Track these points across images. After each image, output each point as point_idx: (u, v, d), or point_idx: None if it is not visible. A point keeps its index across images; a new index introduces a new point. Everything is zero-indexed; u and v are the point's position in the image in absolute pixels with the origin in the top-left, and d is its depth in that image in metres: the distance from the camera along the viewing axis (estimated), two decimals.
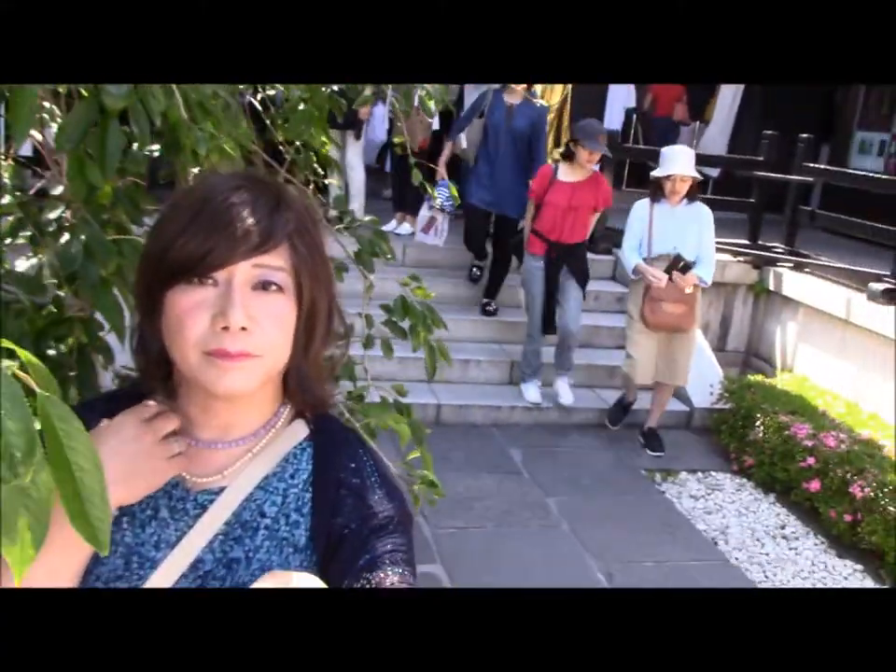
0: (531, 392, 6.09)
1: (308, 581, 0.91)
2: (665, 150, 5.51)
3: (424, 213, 6.50)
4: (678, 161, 5.34)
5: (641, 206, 5.59)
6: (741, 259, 7.40)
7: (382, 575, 0.97)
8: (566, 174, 5.74)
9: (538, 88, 7.13)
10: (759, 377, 6.40)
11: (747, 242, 7.60)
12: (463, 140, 6.47)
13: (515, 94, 6.33)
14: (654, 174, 5.45)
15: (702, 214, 5.49)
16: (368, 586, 0.96)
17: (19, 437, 0.60)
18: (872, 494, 4.66)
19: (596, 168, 5.95)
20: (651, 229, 5.47)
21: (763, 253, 7.46)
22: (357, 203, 7.31)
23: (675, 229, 5.42)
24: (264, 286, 0.97)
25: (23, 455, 0.60)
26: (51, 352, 1.61)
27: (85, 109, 1.21)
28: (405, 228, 7.64)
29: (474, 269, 7.02)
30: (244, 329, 0.94)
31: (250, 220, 0.95)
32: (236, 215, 0.95)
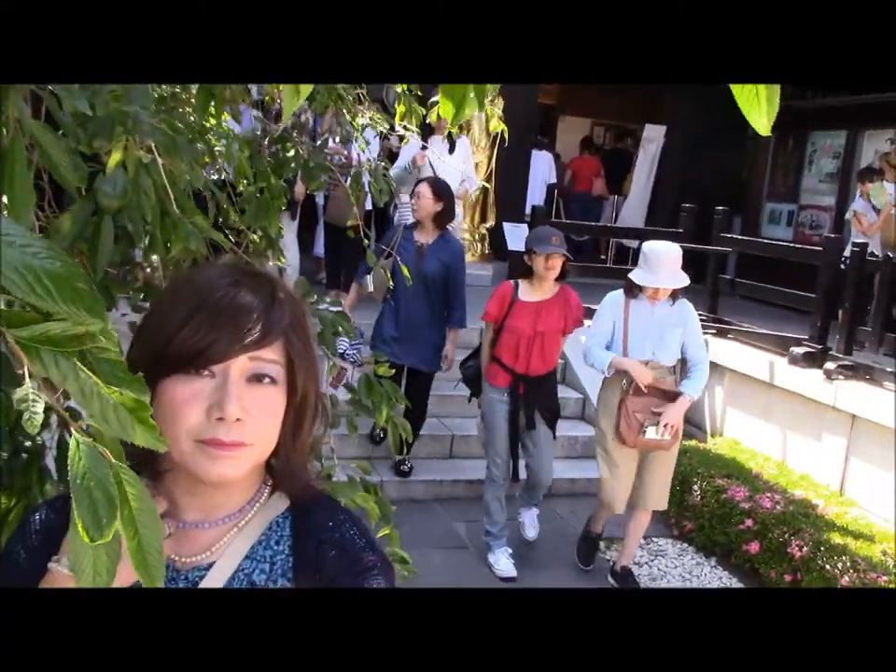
0: (502, 563, 5.02)
1: None
2: (649, 250, 4.51)
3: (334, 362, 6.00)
4: (663, 268, 4.41)
5: (614, 301, 4.67)
6: None
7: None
8: (527, 293, 4.86)
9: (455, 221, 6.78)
10: (693, 442, 6.52)
11: None
12: (370, 282, 5.42)
13: (426, 232, 5.54)
14: (636, 279, 4.50)
15: (687, 315, 4.61)
16: None
17: (105, 505, 0.70)
18: (810, 553, 4.77)
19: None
20: (626, 328, 4.58)
21: None
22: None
23: (654, 331, 4.57)
24: (258, 378, 1.00)
25: (108, 518, 0.70)
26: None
27: (81, 209, 1.22)
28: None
29: (377, 431, 5.95)
30: (238, 420, 0.97)
31: (250, 317, 0.99)
32: (237, 311, 0.98)
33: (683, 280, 4.46)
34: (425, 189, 5.47)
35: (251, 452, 1.00)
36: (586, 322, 5.04)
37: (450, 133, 7.43)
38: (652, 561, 5.46)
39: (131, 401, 0.71)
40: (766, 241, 9.39)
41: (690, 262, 7.81)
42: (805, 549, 4.82)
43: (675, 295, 4.57)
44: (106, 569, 0.74)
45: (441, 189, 5.49)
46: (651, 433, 4.48)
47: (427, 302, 5.50)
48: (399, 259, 5.02)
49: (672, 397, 4.53)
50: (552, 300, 4.87)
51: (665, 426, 4.46)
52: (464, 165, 7.74)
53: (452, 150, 7.52)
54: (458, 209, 7.55)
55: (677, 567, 5.40)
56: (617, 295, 4.69)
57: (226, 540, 1.08)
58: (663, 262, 4.42)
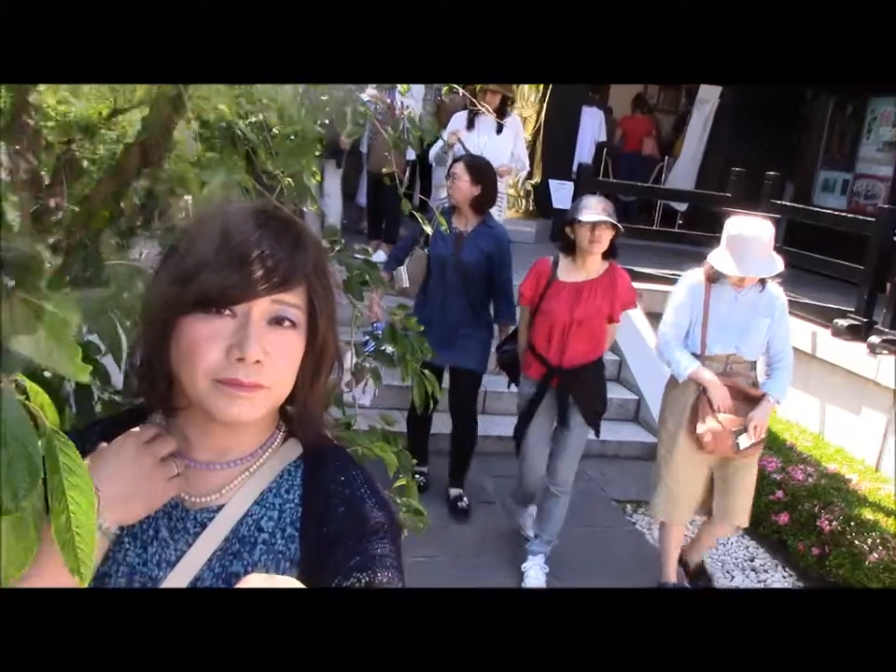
0: (532, 574, 4.45)
1: (290, 583, 0.90)
2: (735, 232, 3.83)
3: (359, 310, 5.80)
4: (751, 253, 3.78)
5: (693, 285, 4.02)
6: None
7: (372, 575, 0.99)
8: (567, 272, 4.20)
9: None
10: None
11: None
12: (404, 276, 4.89)
13: (464, 218, 4.82)
14: (719, 267, 3.87)
15: (775, 303, 3.95)
16: (358, 585, 0.98)
17: (23, 472, 0.61)
18: (839, 528, 4.73)
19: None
20: (705, 318, 3.95)
21: None
22: None
23: (738, 321, 3.94)
24: (279, 321, 1.00)
25: (27, 487, 0.61)
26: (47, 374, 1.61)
27: None
28: (380, 255, 7.71)
29: (417, 475, 4.26)
30: (258, 361, 0.97)
31: (273, 259, 0.98)
32: (260, 252, 0.98)
33: (776, 266, 3.79)
34: (460, 170, 4.74)
35: (268, 394, 1.00)
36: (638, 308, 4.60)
37: (501, 108, 6.80)
38: None
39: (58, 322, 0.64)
40: (816, 209, 9.17)
41: None
42: (834, 523, 4.78)
43: (764, 279, 3.93)
44: (15, 559, 0.66)
45: (480, 170, 4.75)
46: (744, 442, 3.88)
47: (466, 297, 4.79)
48: (433, 248, 4.67)
49: (753, 399, 3.96)
50: (596, 280, 4.18)
51: (754, 428, 3.88)
52: (514, 147, 7.02)
53: (499, 131, 6.86)
54: (502, 189, 6.71)
55: None
56: (695, 279, 4.03)
57: (236, 483, 1.08)
58: (751, 246, 3.75)
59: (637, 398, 6.74)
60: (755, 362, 4.08)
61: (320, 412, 1.13)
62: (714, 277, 3.97)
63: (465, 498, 5.19)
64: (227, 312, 0.98)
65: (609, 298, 4.19)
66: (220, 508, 1.07)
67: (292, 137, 2.46)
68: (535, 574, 4.43)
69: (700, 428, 3.92)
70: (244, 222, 1.00)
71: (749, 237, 3.77)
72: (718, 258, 3.89)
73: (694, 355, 3.98)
